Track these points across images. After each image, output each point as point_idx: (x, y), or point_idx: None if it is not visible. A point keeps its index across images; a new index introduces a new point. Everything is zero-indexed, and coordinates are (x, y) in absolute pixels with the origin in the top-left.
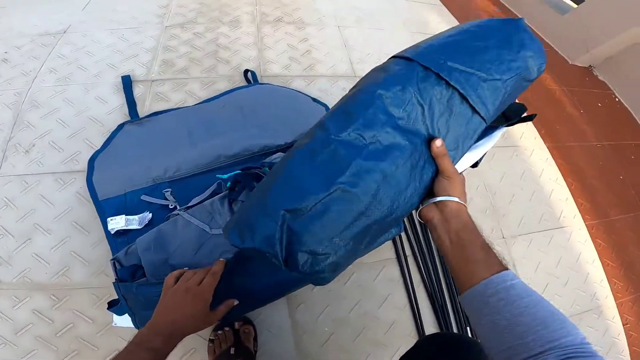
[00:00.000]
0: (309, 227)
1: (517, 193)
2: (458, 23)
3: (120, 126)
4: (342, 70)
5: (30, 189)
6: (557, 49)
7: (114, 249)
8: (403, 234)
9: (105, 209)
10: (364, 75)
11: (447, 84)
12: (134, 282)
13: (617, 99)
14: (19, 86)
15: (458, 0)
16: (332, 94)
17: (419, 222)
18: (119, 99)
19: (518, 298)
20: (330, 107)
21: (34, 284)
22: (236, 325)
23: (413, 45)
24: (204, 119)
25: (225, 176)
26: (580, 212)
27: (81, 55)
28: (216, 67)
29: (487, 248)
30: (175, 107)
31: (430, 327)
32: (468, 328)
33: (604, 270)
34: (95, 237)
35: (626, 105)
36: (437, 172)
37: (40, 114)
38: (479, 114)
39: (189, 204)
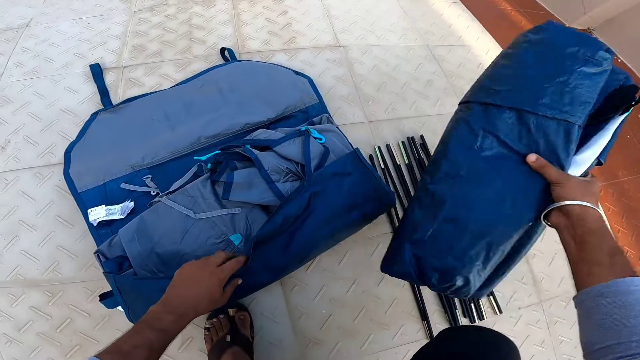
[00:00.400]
0: (428, 250)
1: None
2: None
3: (94, 115)
4: (325, 41)
5: (10, 186)
6: (553, 12)
7: (98, 240)
8: (398, 205)
9: (85, 200)
10: (346, 45)
11: (542, 116)
12: (133, 277)
13: (619, 60)
14: None
15: None
16: (316, 65)
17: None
18: (90, 88)
19: (636, 303)
20: (313, 79)
21: (27, 281)
22: (231, 312)
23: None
24: (182, 101)
25: (204, 157)
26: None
27: (46, 47)
28: (191, 48)
29: (614, 252)
30: (150, 91)
31: (432, 304)
32: (472, 304)
33: (615, 237)
34: (79, 230)
35: (630, 66)
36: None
37: (12, 109)
38: (566, 121)
39: (170, 189)
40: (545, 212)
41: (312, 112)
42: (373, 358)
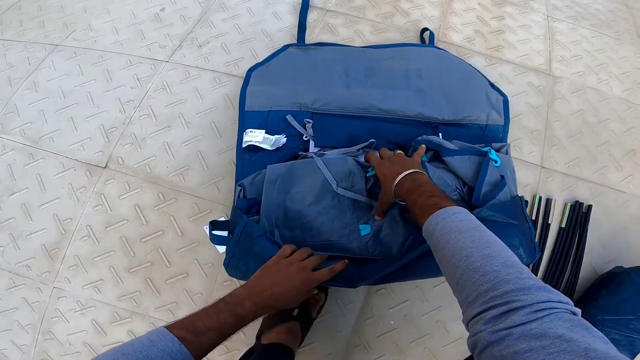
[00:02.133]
0: None
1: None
2: None
3: (286, 47)
4: (535, 62)
5: (190, 80)
6: None
7: (239, 162)
8: None
9: (247, 120)
10: (557, 75)
11: None
12: (257, 231)
13: None
14: None
15: None
16: (514, 84)
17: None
18: (293, 20)
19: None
20: (509, 98)
21: (151, 176)
22: None
23: None
24: (365, 65)
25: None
26: None
27: None
28: (393, 15)
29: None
30: (341, 42)
31: None
32: None
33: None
34: (224, 144)
35: None
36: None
37: (224, 16)
38: None
39: (327, 152)
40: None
41: (491, 131)
42: None
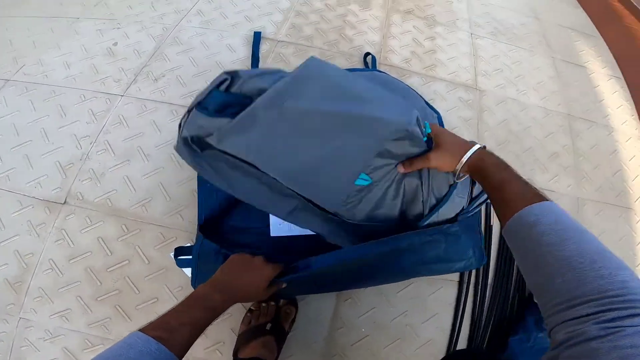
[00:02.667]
0: None
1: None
2: (614, 59)
3: None
4: (463, 78)
5: (147, 113)
6: None
7: (201, 192)
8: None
9: None
10: (483, 89)
11: None
12: (218, 247)
13: None
14: (169, 22)
15: (620, 36)
16: (447, 100)
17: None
18: (246, 51)
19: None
20: (444, 113)
21: (112, 209)
22: (280, 302)
23: None
24: None
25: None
26: None
27: (226, 3)
28: (339, 42)
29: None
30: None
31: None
32: None
33: None
34: (185, 174)
35: None
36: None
37: (178, 50)
38: None
39: None
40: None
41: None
42: None
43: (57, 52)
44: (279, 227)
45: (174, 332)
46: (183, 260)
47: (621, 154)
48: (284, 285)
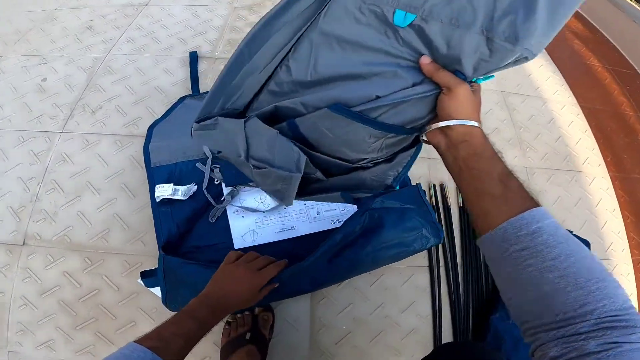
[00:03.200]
0: None
1: (568, 219)
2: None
3: (182, 99)
4: None
5: (90, 147)
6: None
7: (157, 217)
8: (440, 245)
9: (155, 176)
10: None
11: None
12: (182, 260)
13: None
14: (98, 52)
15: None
16: None
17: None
18: (184, 73)
19: (545, 248)
20: None
21: (72, 244)
22: (257, 311)
23: None
24: None
25: None
26: (630, 246)
27: (157, 28)
28: None
29: (506, 179)
30: None
31: (448, 339)
32: None
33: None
34: (139, 202)
35: None
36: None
37: (112, 79)
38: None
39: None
40: (428, 130)
41: None
42: None
43: None
44: (242, 239)
45: (168, 342)
46: (151, 280)
47: (559, 120)
48: (276, 286)
